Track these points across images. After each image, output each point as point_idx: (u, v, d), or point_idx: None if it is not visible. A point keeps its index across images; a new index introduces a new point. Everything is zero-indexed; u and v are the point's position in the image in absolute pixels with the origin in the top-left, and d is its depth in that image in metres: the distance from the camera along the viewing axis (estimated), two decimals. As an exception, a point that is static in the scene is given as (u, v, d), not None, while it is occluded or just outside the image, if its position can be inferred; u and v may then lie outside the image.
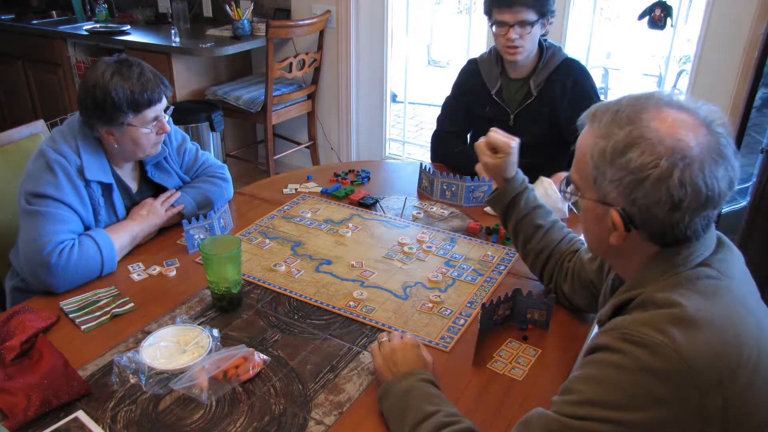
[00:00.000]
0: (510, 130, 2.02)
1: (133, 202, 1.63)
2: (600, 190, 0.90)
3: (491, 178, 1.43)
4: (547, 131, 2.04)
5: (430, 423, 0.98)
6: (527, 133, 1.98)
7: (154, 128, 1.52)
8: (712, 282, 0.86)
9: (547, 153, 2.03)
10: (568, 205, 1.74)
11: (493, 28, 1.98)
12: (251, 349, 1.18)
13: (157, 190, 1.69)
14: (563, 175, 1.73)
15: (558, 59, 2.02)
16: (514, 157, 1.38)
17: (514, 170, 1.39)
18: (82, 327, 1.27)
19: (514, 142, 1.38)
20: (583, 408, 0.82)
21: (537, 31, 1.96)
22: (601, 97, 2.21)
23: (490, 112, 2.09)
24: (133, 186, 1.66)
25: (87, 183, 1.48)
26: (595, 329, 1.02)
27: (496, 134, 1.39)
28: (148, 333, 1.24)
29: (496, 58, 2.07)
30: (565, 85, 2.01)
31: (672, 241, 0.88)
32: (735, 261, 0.91)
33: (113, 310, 1.32)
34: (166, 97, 1.53)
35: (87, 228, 1.48)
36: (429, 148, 2.24)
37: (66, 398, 1.08)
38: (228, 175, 1.82)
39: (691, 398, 0.77)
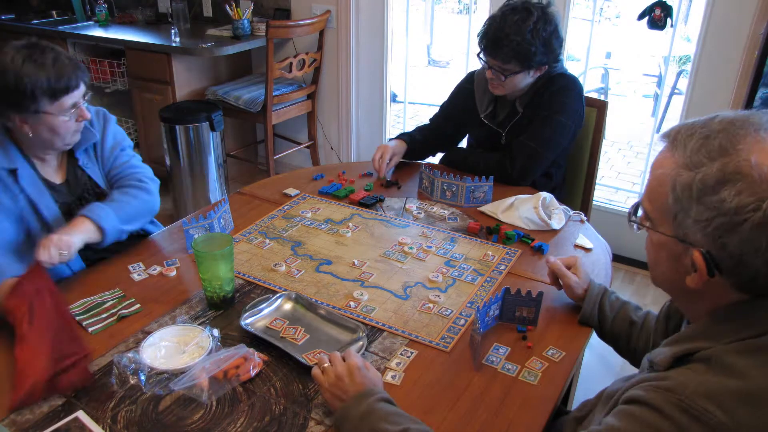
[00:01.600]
0: (502, 148, 2.03)
1: (62, 199, 1.53)
2: (680, 227, 0.78)
3: (576, 298, 1.34)
4: None
5: None
6: None
7: (72, 115, 1.45)
8: None
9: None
10: (561, 221, 1.73)
11: (479, 57, 1.92)
12: (251, 349, 1.18)
13: (85, 184, 1.59)
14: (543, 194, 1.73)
15: (547, 76, 1.93)
16: (583, 268, 1.35)
17: (587, 280, 1.34)
18: (90, 329, 1.27)
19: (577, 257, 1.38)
20: None
21: (521, 78, 1.88)
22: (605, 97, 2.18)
23: (482, 132, 2.07)
24: (56, 178, 1.56)
25: None
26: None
27: (559, 260, 1.37)
28: (149, 333, 1.24)
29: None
30: (543, 97, 1.94)
31: (761, 290, 0.77)
32: None
33: (120, 312, 1.32)
34: (84, 83, 1.45)
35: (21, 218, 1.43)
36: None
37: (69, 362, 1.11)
38: (152, 186, 1.65)
39: None
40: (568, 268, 1.36)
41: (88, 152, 1.62)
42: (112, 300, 1.37)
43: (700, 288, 0.80)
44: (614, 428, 0.78)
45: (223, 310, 1.34)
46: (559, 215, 1.73)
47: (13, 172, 1.46)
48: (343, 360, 1.08)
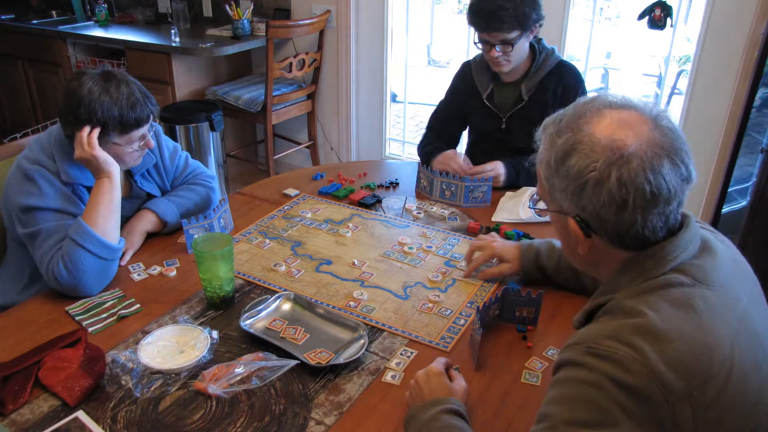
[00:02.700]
0: (503, 133, 2.03)
1: (123, 212, 1.54)
2: (555, 200, 0.90)
3: (517, 272, 1.45)
4: None
5: None
6: (520, 138, 1.98)
7: (140, 148, 1.49)
8: (684, 290, 0.83)
9: None
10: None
11: (477, 44, 1.92)
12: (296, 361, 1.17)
13: (147, 196, 1.66)
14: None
15: (552, 62, 1.95)
16: (502, 242, 1.49)
17: (515, 246, 1.45)
18: (90, 329, 1.27)
19: (494, 236, 1.54)
20: (558, 431, 0.79)
21: (523, 42, 1.88)
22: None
23: (483, 117, 2.07)
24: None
25: (70, 186, 1.44)
26: None
27: (477, 250, 1.50)
28: (148, 333, 1.24)
29: (487, 62, 2.00)
30: (555, 92, 1.95)
31: (634, 243, 0.86)
32: (718, 266, 0.87)
33: (120, 312, 1.32)
34: (154, 116, 1.48)
35: None
36: None
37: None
38: (214, 184, 1.76)
39: (661, 411, 0.75)
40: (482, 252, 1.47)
41: (149, 173, 1.66)
42: (112, 300, 1.37)
43: (592, 253, 0.90)
44: (550, 399, 0.83)
45: (223, 310, 1.35)
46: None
47: (89, 189, 1.48)
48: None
